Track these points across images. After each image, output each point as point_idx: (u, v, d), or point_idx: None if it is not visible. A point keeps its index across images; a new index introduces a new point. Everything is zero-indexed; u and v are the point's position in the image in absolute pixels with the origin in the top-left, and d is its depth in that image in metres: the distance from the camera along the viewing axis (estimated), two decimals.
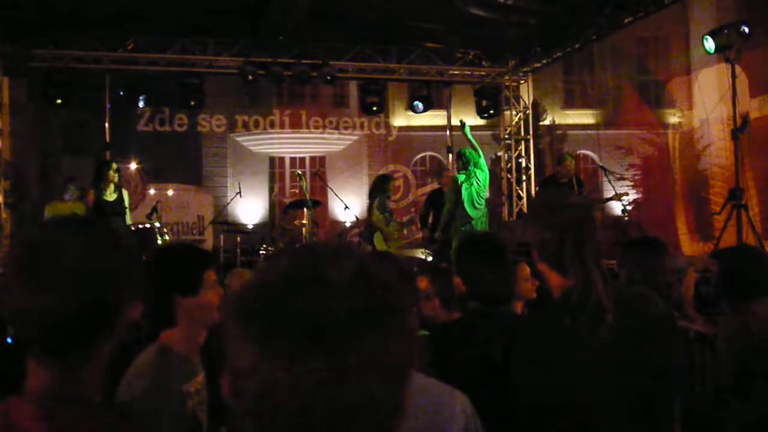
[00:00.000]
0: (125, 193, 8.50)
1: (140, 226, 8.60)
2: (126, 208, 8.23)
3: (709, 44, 8.73)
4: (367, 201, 9.83)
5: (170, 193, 14.13)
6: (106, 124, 12.21)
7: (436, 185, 10.79)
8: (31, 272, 1.34)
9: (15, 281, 1.33)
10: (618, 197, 9.75)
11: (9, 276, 1.34)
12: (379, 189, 9.61)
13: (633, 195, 15.18)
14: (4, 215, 11.73)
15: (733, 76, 8.35)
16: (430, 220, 10.58)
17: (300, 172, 9.61)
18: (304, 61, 12.18)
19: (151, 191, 13.98)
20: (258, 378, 0.89)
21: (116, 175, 8.48)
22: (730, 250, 4.04)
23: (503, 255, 3.11)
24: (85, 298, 1.33)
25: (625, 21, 10.60)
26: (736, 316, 3.43)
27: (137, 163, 14.10)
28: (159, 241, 8.65)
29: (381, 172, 15.97)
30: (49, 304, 1.30)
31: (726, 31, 8.58)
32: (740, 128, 8.36)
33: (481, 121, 15.14)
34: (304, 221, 10.41)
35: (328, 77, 12.22)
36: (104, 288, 1.37)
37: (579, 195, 9.59)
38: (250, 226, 10.05)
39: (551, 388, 2.14)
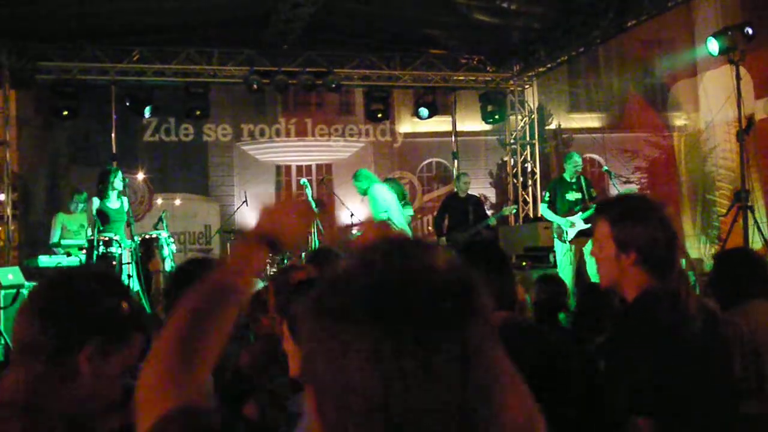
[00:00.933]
0: (125, 200, 8.51)
1: (146, 236, 8.63)
2: (127, 214, 8.22)
3: (713, 46, 8.72)
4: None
5: (177, 202, 14.16)
6: (113, 135, 12.27)
7: (446, 189, 10.84)
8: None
9: None
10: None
11: None
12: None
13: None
14: (11, 226, 11.79)
15: (738, 78, 8.33)
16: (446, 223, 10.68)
17: (305, 181, 9.62)
18: (308, 70, 12.22)
19: (158, 201, 14.02)
20: (375, 382, 0.83)
21: (121, 182, 8.48)
22: (725, 252, 4.04)
23: (507, 261, 3.11)
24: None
25: (629, 24, 10.60)
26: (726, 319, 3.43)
27: (144, 174, 14.14)
28: (165, 251, 8.68)
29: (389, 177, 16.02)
30: None
31: (730, 32, 8.56)
32: (746, 130, 8.34)
33: (486, 126, 15.16)
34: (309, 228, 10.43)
35: (333, 85, 12.25)
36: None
37: (590, 196, 9.63)
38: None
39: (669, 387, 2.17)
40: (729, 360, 2.33)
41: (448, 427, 0.84)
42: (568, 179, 9.79)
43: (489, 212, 13.60)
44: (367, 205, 9.24)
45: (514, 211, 11.20)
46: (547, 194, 10.01)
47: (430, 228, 14.57)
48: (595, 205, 9.56)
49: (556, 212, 9.60)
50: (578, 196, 9.71)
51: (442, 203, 10.86)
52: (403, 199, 9.37)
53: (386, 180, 10.34)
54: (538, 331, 3.05)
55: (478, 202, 10.76)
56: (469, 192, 10.71)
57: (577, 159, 9.85)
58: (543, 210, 10.09)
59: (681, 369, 2.16)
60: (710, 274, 3.65)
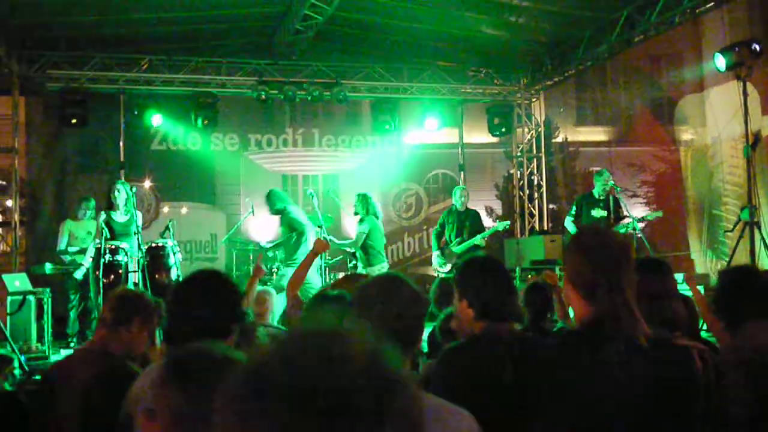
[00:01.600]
0: (138, 214, 8.48)
1: (153, 244, 8.65)
2: (137, 227, 8.20)
3: (720, 62, 8.75)
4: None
5: (184, 211, 14.20)
6: (121, 143, 12.32)
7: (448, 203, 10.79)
8: None
9: None
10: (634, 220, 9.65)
11: None
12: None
13: (646, 212, 15.14)
14: (19, 232, 11.84)
15: (745, 94, 8.36)
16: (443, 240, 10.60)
17: (311, 192, 9.62)
18: (316, 81, 12.28)
19: (165, 209, 14.06)
20: None
21: (126, 196, 8.46)
22: (729, 270, 4.02)
23: (505, 273, 3.13)
24: None
25: (636, 39, 10.63)
26: (731, 338, 3.43)
27: (151, 182, 14.20)
28: (172, 259, 8.70)
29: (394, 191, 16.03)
30: None
31: (737, 48, 8.59)
32: (752, 146, 8.35)
33: (493, 139, 15.18)
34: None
35: (341, 96, 12.30)
36: None
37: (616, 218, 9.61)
38: (262, 245, 10.07)
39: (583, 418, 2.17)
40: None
41: None
42: (596, 196, 9.83)
43: (493, 223, 13.60)
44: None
45: (507, 226, 11.14)
46: (574, 208, 10.09)
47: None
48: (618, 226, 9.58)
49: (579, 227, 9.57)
50: (604, 213, 9.71)
51: (441, 218, 10.77)
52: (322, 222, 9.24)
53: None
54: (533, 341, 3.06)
55: (475, 216, 10.68)
56: (469, 206, 10.64)
57: (607, 176, 9.87)
58: (567, 223, 10.14)
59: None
60: (716, 291, 3.63)
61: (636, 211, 13.15)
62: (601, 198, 9.72)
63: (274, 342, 0.91)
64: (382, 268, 9.41)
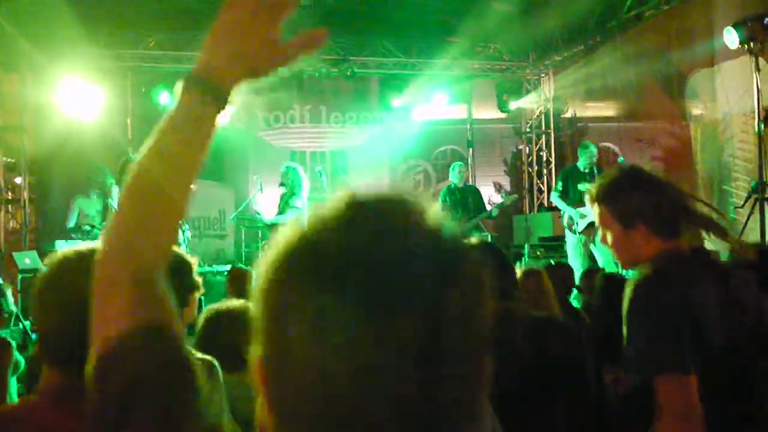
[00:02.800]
0: None
1: None
2: None
3: (732, 37, 8.64)
4: None
5: (192, 188, 14.21)
6: (128, 120, 12.32)
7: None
8: None
9: None
10: None
11: None
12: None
13: None
14: (29, 210, 11.88)
15: (757, 69, 8.27)
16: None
17: (319, 169, 9.60)
18: (324, 57, 12.23)
19: None
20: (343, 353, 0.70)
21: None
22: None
23: (504, 255, 3.13)
24: None
25: (647, 14, 10.53)
26: None
27: None
28: (180, 237, 8.73)
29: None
30: None
31: (749, 23, 8.49)
32: (764, 121, 8.28)
33: (501, 115, 15.11)
34: None
35: (348, 73, 12.25)
36: None
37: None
38: (267, 221, 10.07)
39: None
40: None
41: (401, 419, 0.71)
42: (582, 169, 9.61)
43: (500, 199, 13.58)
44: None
45: (516, 200, 11.08)
46: (560, 183, 9.82)
47: None
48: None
49: (567, 202, 9.50)
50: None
51: (442, 195, 10.59)
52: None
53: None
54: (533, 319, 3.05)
55: (476, 192, 10.61)
56: (468, 182, 10.54)
57: (592, 149, 9.73)
58: (554, 198, 9.90)
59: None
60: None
61: None
62: (587, 171, 9.54)
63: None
64: None
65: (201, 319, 3.22)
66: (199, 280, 2.64)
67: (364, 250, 0.73)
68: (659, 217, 2.26)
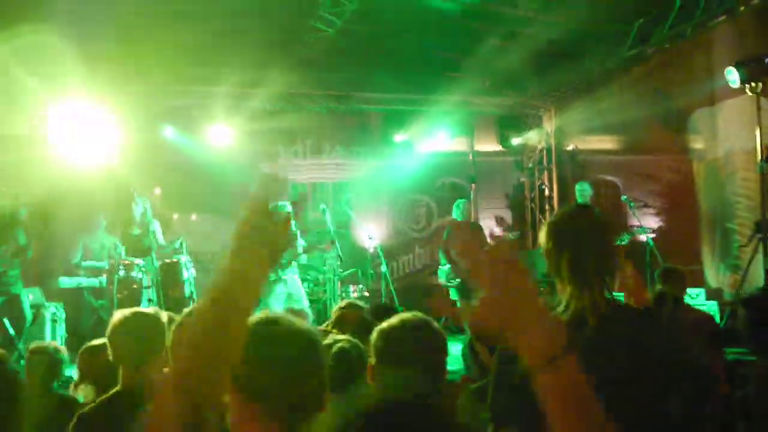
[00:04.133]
0: (156, 224, 8.48)
1: (166, 261, 8.68)
2: (153, 242, 8.20)
3: (734, 77, 8.73)
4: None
5: (193, 218, 14.22)
6: (132, 156, 12.33)
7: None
8: None
9: None
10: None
11: None
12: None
13: (657, 223, 15.12)
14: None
15: (758, 108, 8.34)
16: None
17: (324, 207, 9.63)
18: (327, 93, 12.31)
19: (175, 216, 14.08)
20: None
21: (141, 210, 8.49)
22: (759, 299, 4.00)
23: None
24: None
25: (649, 52, 10.63)
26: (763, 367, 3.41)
27: (161, 190, 14.23)
28: (185, 274, 8.74)
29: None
30: None
31: (750, 63, 8.58)
32: (766, 160, 8.33)
33: (503, 149, 15.17)
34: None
35: (351, 107, 12.34)
36: None
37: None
38: None
39: None
40: None
41: None
42: None
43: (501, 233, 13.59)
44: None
45: (518, 236, 11.13)
46: None
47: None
48: None
49: None
50: None
51: (447, 231, 10.61)
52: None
53: None
54: None
55: (480, 228, 10.66)
56: (471, 218, 10.58)
57: (586, 187, 9.83)
58: None
59: None
60: (744, 320, 3.61)
61: (647, 221, 13.07)
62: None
63: None
64: None
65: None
66: None
67: None
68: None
